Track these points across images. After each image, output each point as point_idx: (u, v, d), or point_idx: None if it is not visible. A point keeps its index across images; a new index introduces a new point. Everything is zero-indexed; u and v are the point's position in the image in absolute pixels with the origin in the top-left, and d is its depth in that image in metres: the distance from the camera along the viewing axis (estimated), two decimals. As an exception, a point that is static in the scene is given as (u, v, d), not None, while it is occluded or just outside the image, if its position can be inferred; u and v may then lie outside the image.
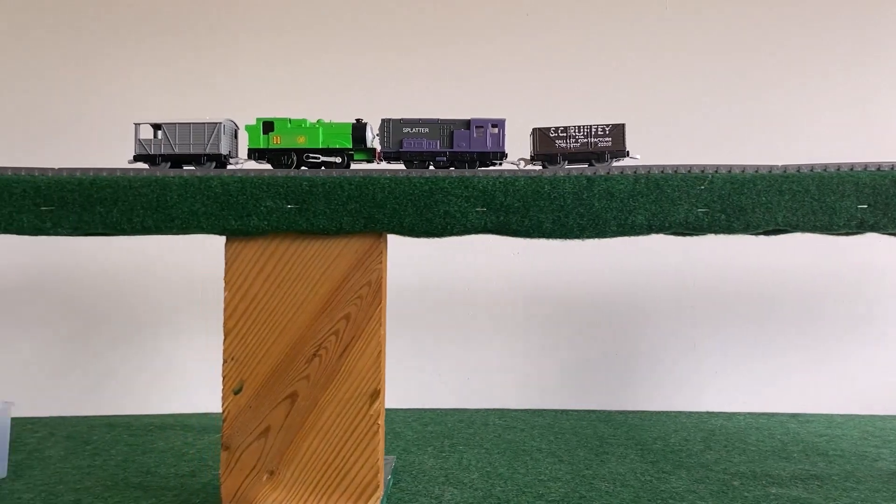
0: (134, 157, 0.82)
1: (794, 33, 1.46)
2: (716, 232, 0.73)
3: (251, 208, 0.73)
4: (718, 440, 1.14)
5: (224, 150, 0.81)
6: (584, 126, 0.80)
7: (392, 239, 0.80)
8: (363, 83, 1.45)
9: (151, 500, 0.84)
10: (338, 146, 0.82)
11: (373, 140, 0.84)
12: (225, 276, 0.77)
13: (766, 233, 0.76)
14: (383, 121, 0.83)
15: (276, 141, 0.82)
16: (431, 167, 0.81)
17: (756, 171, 0.74)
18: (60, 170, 0.76)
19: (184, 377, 1.44)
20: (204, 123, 0.81)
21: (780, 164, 0.76)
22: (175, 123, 0.81)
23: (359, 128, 0.82)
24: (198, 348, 1.44)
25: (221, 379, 0.77)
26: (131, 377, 1.44)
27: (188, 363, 1.44)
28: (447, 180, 0.73)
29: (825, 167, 0.75)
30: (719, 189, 0.72)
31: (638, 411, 1.38)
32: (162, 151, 0.81)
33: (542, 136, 0.81)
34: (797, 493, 0.87)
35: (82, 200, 0.72)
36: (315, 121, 0.83)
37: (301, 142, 0.82)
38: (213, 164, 0.81)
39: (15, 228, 0.72)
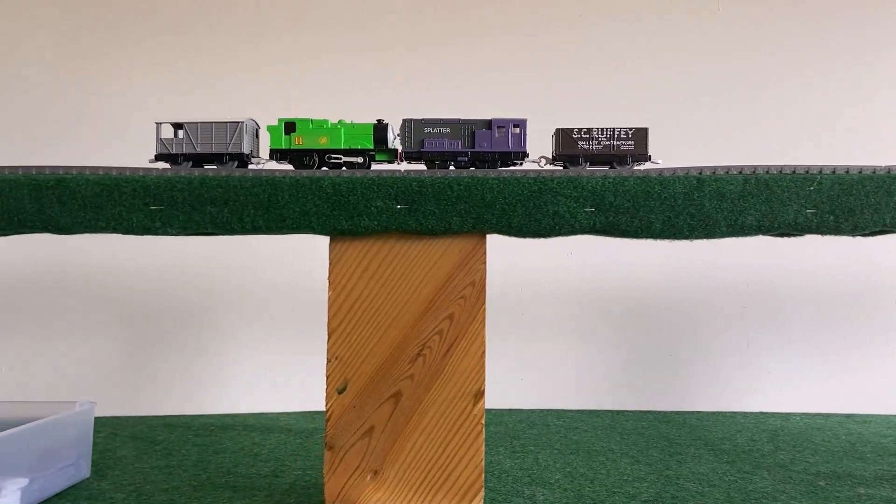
0: (155, 156, 0.82)
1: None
2: (822, 233, 0.74)
3: (362, 208, 0.73)
4: (785, 440, 1.14)
5: (246, 150, 0.81)
6: (607, 128, 0.80)
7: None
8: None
9: (245, 501, 0.84)
10: (359, 147, 0.82)
11: (394, 141, 0.84)
12: (329, 276, 0.77)
13: (870, 234, 0.76)
14: (404, 121, 0.82)
15: (299, 142, 0.82)
16: (452, 167, 0.81)
17: (861, 172, 0.74)
18: (165, 170, 0.76)
19: (236, 377, 1.44)
20: (226, 123, 0.81)
21: (882, 164, 0.76)
22: (197, 123, 0.81)
23: (380, 128, 0.83)
24: (248, 349, 1.44)
25: (325, 378, 0.77)
26: (181, 377, 1.44)
27: (240, 363, 1.44)
28: (556, 180, 0.73)
29: (929, 168, 0.75)
30: (828, 190, 0.73)
31: (693, 412, 1.38)
32: (184, 151, 0.81)
33: (564, 137, 0.81)
34: (887, 494, 0.87)
35: (192, 200, 0.73)
36: (336, 121, 0.83)
37: (323, 142, 0.82)
38: (235, 163, 0.81)
39: (124, 228, 0.72)
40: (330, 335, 0.77)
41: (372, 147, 0.82)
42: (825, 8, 1.47)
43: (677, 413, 1.36)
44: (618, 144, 0.80)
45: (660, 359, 1.45)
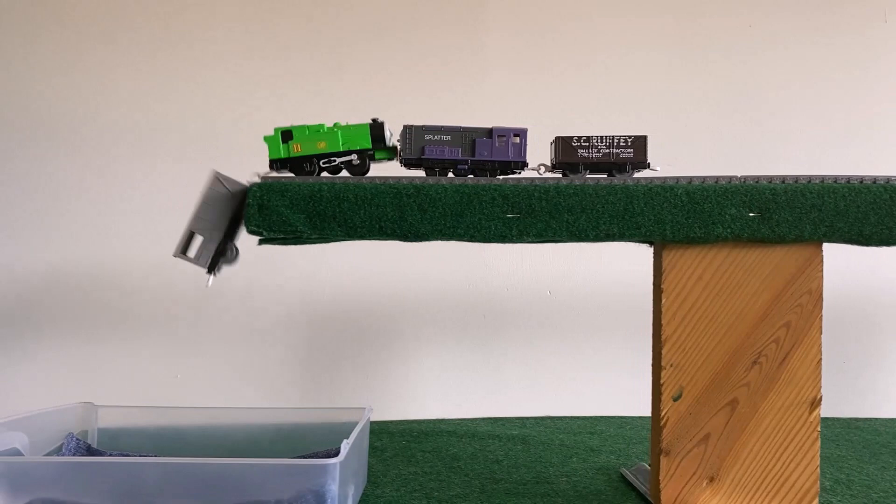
0: (211, 275, 0.79)
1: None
2: None
3: (716, 216, 0.73)
4: None
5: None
6: (606, 136, 0.80)
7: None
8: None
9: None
10: (358, 147, 0.81)
11: (391, 138, 0.83)
12: (663, 284, 0.78)
13: None
14: (405, 127, 0.82)
15: (297, 149, 0.81)
16: (451, 175, 0.81)
17: None
18: (522, 178, 0.77)
19: (410, 383, 1.44)
20: (223, 192, 0.77)
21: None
22: (202, 222, 0.75)
23: (376, 127, 0.82)
24: (426, 356, 1.45)
25: (660, 385, 0.78)
26: (361, 383, 1.44)
27: (415, 369, 1.44)
28: (906, 189, 0.74)
29: None
30: None
31: (873, 418, 1.38)
32: (212, 251, 0.77)
33: (564, 145, 0.81)
34: None
35: (550, 209, 0.73)
36: (332, 125, 0.82)
37: (321, 147, 0.81)
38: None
39: (481, 236, 0.73)
40: (664, 342, 0.78)
41: (370, 146, 0.82)
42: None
43: (860, 420, 1.36)
44: (617, 152, 0.80)
45: (830, 365, 1.46)
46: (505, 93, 1.47)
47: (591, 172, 0.80)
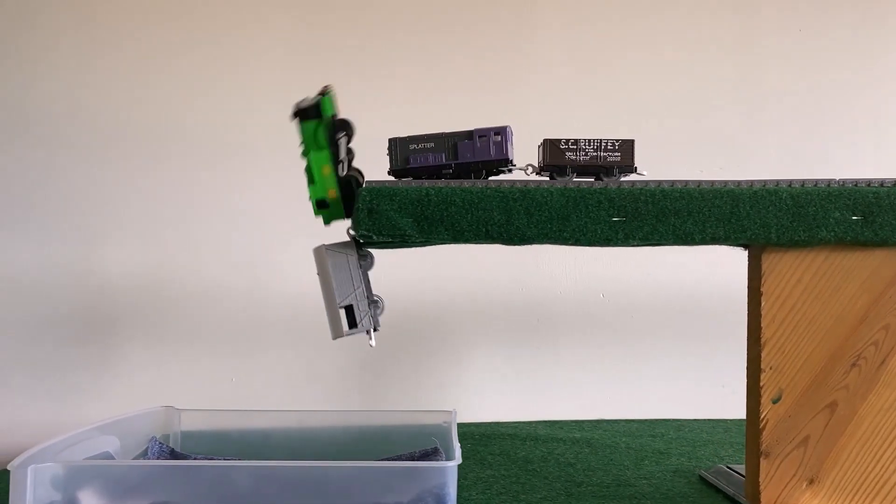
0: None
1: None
2: None
3: (820, 220, 0.74)
4: None
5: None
6: (594, 140, 0.81)
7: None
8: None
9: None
10: (328, 131, 0.77)
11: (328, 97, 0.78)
12: (762, 287, 0.78)
13: None
14: (391, 140, 0.81)
15: (332, 195, 0.78)
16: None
17: None
18: (627, 181, 0.77)
19: (464, 388, 1.45)
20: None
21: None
22: (348, 298, 0.77)
23: (307, 109, 0.76)
24: (479, 357, 1.45)
25: (759, 387, 0.78)
26: (412, 385, 1.45)
27: (468, 372, 1.45)
28: None
29: None
30: None
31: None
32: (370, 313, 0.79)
33: (552, 148, 0.81)
34: None
35: (656, 212, 0.73)
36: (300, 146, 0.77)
37: (327, 172, 0.78)
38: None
39: (587, 239, 0.73)
40: (764, 345, 0.78)
41: (320, 117, 0.76)
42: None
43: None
44: (605, 156, 0.80)
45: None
46: (552, 95, 1.47)
47: (578, 175, 0.81)
